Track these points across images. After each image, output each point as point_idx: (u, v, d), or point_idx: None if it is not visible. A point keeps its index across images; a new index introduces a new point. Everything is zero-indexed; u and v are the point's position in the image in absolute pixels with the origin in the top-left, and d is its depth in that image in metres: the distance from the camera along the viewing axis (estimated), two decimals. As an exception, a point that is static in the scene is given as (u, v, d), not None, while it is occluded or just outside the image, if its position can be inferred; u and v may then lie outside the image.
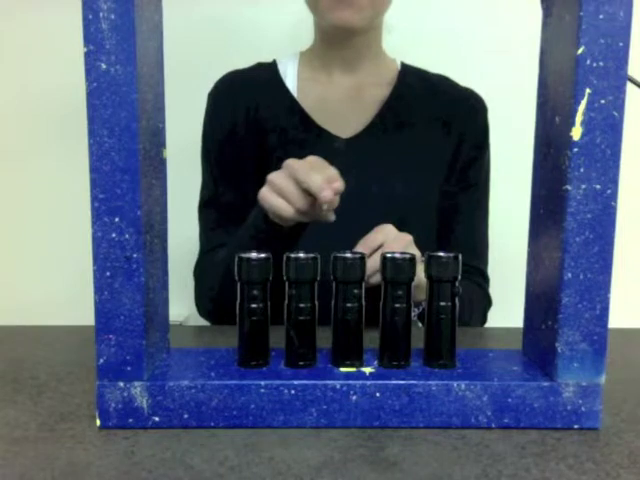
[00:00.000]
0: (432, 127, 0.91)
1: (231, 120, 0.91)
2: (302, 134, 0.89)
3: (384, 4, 0.85)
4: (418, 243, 0.74)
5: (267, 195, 0.68)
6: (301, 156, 0.69)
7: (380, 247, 0.69)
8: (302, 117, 0.90)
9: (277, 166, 0.69)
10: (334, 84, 0.92)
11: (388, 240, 0.70)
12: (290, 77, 0.93)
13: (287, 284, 0.46)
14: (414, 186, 0.89)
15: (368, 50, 0.91)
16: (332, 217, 0.69)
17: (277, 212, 0.67)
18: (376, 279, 0.67)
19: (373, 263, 0.64)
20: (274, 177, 0.68)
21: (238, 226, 0.79)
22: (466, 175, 0.92)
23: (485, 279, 0.93)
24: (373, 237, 0.70)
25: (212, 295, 0.86)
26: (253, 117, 0.90)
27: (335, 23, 0.83)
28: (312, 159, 0.69)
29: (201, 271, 0.90)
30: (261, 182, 0.70)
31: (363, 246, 0.69)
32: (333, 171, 0.67)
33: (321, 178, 0.64)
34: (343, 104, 0.92)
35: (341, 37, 0.88)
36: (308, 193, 0.65)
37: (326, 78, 0.93)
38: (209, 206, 0.92)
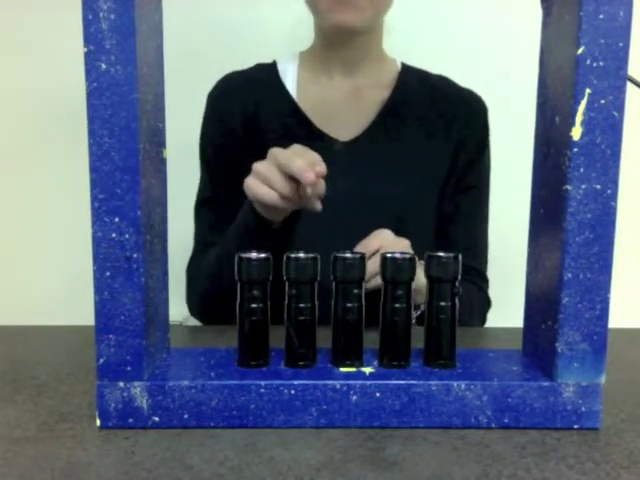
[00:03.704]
0: (432, 128, 0.91)
1: (229, 121, 0.90)
2: (301, 137, 0.89)
3: (385, 5, 0.85)
4: (417, 245, 0.74)
5: (251, 183, 0.68)
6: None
7: (377, 252, 0.69)
8: (301, 120, 0.90)
9: None
10: (334, 86, 0.92)
11: (385, 245, 0.70)
12: (290, 78, 0.92)
13: (287, 284, 0.46)
14: (413, 188, 0.88)
15: (369, 51, 0.91)
16: (319, 206, 0.69)
17: (261, 199, 0.67)
18: (373, 283, 0.68)
19: (370, 268, 0.64)
20: (258, 166, 0.68)
21: None
22: (466, 176, 0.91)
23: (484, 280, 0.93)
24: (370, 242, 0.71)
25: (202, 294, 0.86)
26: (252, 119, 0.90)
27: (336, 24, 0.82)
28: (295, 147, 0.69)
29: (192, 270, 0.90)
30: None
31: (360, 250, 0.69)
32: (315, 155, 0.67)
33: (303, 162, 0.64)
34: (343, 106, 0.91)
35: (342, 38, 0.87)
36: (292, 178, 0.65)
37: (326, 80, 0.92)
38: (205, 206, 0.91)
